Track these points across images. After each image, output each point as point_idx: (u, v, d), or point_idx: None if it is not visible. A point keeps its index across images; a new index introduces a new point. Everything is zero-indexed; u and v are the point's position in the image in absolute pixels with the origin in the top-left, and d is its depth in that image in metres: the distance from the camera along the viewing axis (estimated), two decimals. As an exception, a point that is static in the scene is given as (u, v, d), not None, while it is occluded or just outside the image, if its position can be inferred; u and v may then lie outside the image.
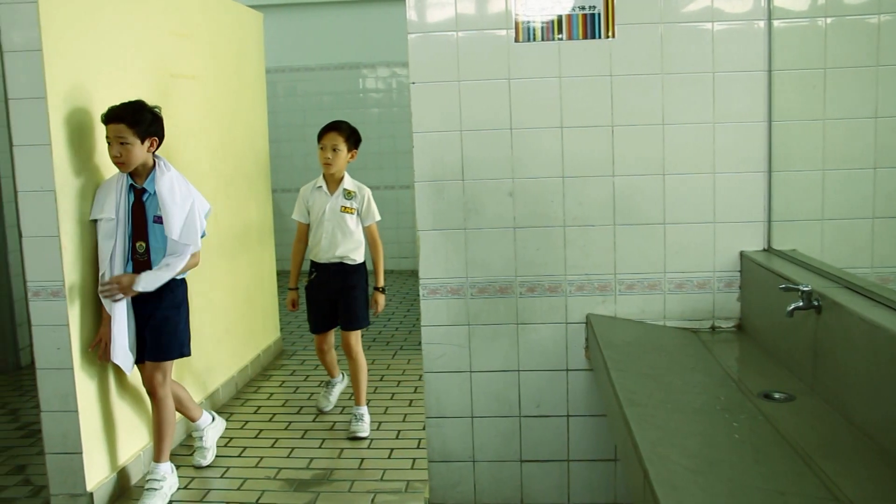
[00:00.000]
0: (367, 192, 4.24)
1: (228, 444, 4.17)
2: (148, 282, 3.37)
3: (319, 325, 4.42)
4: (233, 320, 4.93)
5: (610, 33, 2.99)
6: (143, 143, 3.32)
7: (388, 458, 3.94)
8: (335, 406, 4.66)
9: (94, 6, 3.53)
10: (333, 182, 4.23)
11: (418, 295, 3.25)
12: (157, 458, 3.57)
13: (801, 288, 2.32)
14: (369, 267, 4.33)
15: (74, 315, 3.34)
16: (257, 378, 5.29)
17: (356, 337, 4.33)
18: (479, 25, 3.03)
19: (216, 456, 4.00)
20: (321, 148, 4.16)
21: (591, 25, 3.00)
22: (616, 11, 2.98)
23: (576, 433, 3.22)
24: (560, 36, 3.01)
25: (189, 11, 4.49)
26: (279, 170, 8.16)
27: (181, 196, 3.41)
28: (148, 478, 3.54)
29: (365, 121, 9.05)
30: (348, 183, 4.24)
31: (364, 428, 4.24)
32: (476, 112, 3.06)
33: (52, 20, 3.21)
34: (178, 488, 3.65)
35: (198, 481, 3.75)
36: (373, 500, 3.50)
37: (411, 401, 4.73)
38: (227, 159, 4.94)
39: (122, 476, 3.64)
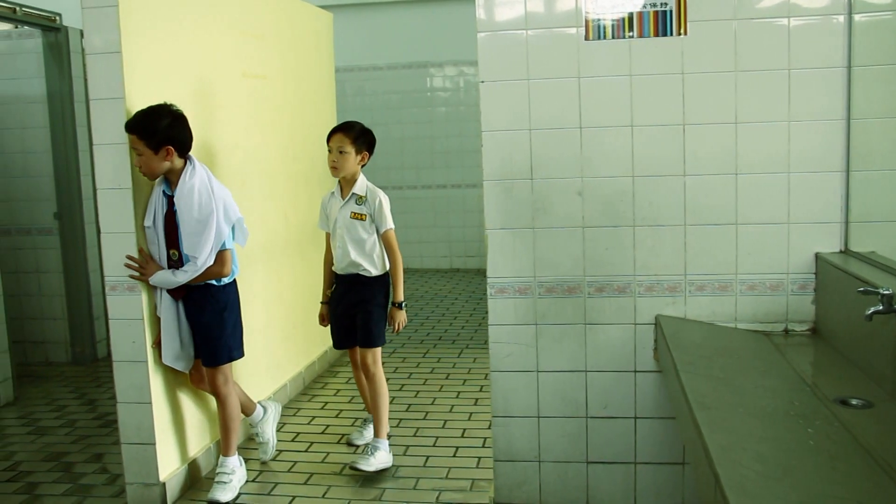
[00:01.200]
0: (380, 195, 3.87)
1: (295, 439, 4.24)
2: (160, 279, 3.36)
3: (339, 340, 4.06)
4: (301, 315, 4.99)
5: (682, 30, 2.95)
6: (156, 153, 3.25)
7: (454, 456, 3.94)
8: (404, 404, 4.68)
9: (170, 8, 3.62)
10: (347, 187, 3.89)
11: (484, 293, 3.25)
12: (224, 451, 3.64)
13: (881, 291, 2.25)
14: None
15: (149, 310, 3.43)
16: (324, 374, 5.36)
17: (373, 356, 3.90)
18: (548, 23, 3.01)
19: (283, 451, 4.07)
20: (328, 150, 3.84)
21: (662, 22, 2.96)
22: (688, 8, 2.93)
23: (643, 435, 3.18)
24: (631, 33, 2.98)
25: (261, 12, 4.56)
26: (347, 168, 8.24)
27: (201, 208, 3.33)
28: (217, 470, 3.62)
29: (432, 119, 9.11)
30: (359, 187, 3.88)
31: (370, 463, 3.74)
32: (545, 111, 3.04)
33: (131, 23, 3.30)
34: (247, 481, 3.72)
35: (266, 475, 3.81)
36: (437, 498, 3.51)
37: (477, 399, 4.73)
38: (297, 159, 5.01)
39: (192, 467, 3.72)
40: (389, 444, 3.88)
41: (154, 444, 3.45)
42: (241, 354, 3.67)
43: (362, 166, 3.87)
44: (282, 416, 4.48)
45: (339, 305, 3.97)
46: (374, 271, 3.87)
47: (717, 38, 2.92)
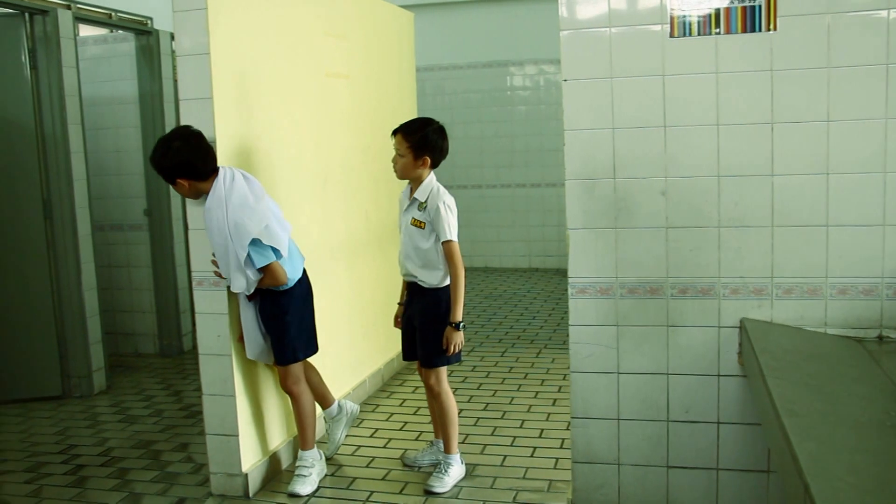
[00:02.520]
0: (442, 202, 3.50)
1: (374, 435, 4.28)
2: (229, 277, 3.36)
3: (404, 350, 3.83)
4: (381, 312, 5.04)
5: (771, 26, 2.86)
6: (174, 185, 3.31)
7: (531, 456, 3.93)
8: (482, 403, 4.68)
9: (256, 10, 3.69)
10: (415, 187, 3.60)
11: (563, 293, 3.22)
12: (302, 445, 3.71)
13: (983, 297, 2.15)
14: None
15: (234, 305, 3.51)
16: (403, 371, 5.40)
17: (435, 376, 3.64)
18: (632, 21, 2.97)
19: (362, 446, 4.12)
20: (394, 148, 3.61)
21: (750, 18, 2.89)
22: (778, 3, 2.84)
23: (726, 441, 3.11)
24: (717, 30, 2.91)
25: (343, 12, 4.62)
26: (426, 167, 8.29)
27: (215, 235, 3.28)
28: (297, 464, 3.69)
29: (512, 118, 9.08)
30: (422, 191, 3.55)
31: (444, 483, 3.59)
32: (629, 109, 3.00)
33: (219, 25, 3.38)
34: (326, 475, 3.77)
35: (344, 469, 3.86)
36: (514, 498, 3.50)
37: (555, 400, 4.70)
38: (377, 157, 5.06)
39: (273, 460, 3.80)
40: (461, 457, 3.75)
41: (237, 435, 3.53)
42: (311, 352, 3.69)
43: (432, 167, 3.58)
44: (361, 411, 4.54)
45: (405, 312, 3.80)
46: (433, 282, 3.59)
47: (808, 33, 2.83)
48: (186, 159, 3.23)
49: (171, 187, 3.38)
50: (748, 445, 3.08)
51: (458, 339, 3.53)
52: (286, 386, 3.66)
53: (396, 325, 3.89)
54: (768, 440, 2.56)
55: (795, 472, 1.74)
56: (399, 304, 3.88)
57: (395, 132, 3.58)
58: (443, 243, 3.52)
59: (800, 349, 2.79)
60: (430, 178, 3.57)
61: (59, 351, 5.10)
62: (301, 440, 3.71)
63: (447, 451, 3.69)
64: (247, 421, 3.61)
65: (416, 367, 3.87)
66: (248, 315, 3.50)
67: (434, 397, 3.70)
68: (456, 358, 3.61)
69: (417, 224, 3.56)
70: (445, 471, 3.63)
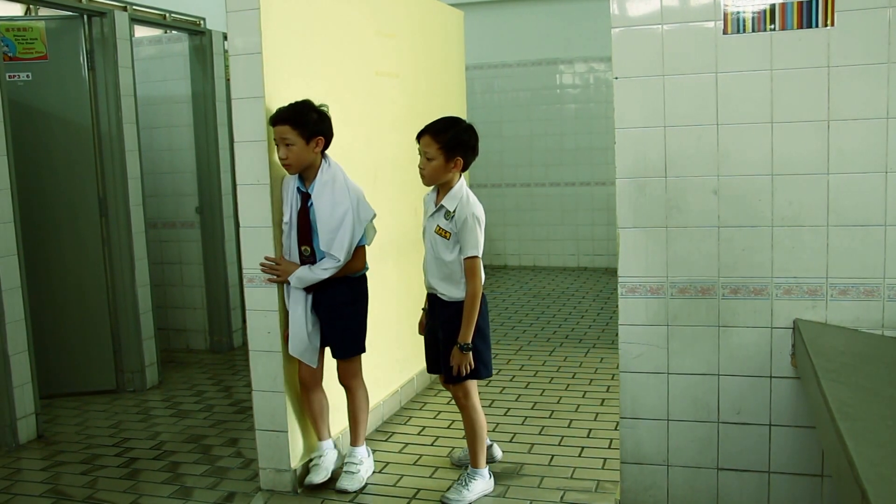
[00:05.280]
0: (470, 213, 3.29)
1: (421, 433, 4.29)
2: (300, 278, 3.41)
3: (429, 362, 3.66)
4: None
5: (829, 21, 2.80)
6: (308, 143, 3.33)
7: (579, 456, 3.90)
8: (529, 402, 4.66)
9: (307, 9, 3.73)
10: (443, 192, 3.40)
11: (611, 293, 3.19)
12: (353, 441, 3.72)
13: None
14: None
15: (284, 302, 3.54)
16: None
17: (463, 390, 3.45)
18: (685, 17, 2.93)
19: (409, 444, 4.13)
20: (419, 153, 3.40)
21: (807, 13, 2.83)
22: (836, -3, 2.79)
23: (778, 444, 3.05)
24: (772, 26, 2.86)
25: (394, 11, 4.64)
26: (476, 166, 8.28)
27: (336, 205, 3.37)
28: (346, 460, 3.70)
29: (561, 117, 9.05)
30: (451, 198, 3.34)
31: (461, 496, 3.41)
32: (681, 107, 2.96)
33: (271, 25, 3.42)
34: (374, 472, 3.79)
35: (392, 466, 3.88)
36: (562, 498, 3.48)
37: (603, 400, 4.67)
38: (426, 155, 5.07)
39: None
40: (490, 471, 3.58)
41: (286, 431, 3.57)
42: (364, 349, 3.69)
43: (462, 171, 3.39)
44: (408, 410, 4.56)
45: (427, 322, 3.62)
46: (454, 295, 3.39)
47: (868, 27, 2.76)
48: (327, 126, 3.42)
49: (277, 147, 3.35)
50: (801, 448, 3.02)
51: (465, 362, 3.34)
52: (346, 379, 3.66)
53: (420, 331, 3.72)
54: (823, 444, 2.51)
55: (852, 477, 1.70)
56: (423, 309, 3.69)
57: (420, 134, 3.36)
58: (469, 258, 3.32)
59: (855, 351, 2.73)
60: (460, 185, 3.38)
61: (114, 346, 5.20)
62: (352, 435, 3.72)
63: (473, 464, 3.52)
64: (296, 417, 3.65)
65: (440, 378, 3.70)
66: (300, 308, 3.47)
67: (461, 410, 3.54)
68: (487, 372, 3.46)
69: (442, 234, 3.36)
70: (466, 484, 3.47)
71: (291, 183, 3.46)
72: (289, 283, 3.45)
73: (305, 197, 3.43)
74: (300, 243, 3.46)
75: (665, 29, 2.94)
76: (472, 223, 3.30)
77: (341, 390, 3.76)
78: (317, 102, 3.45)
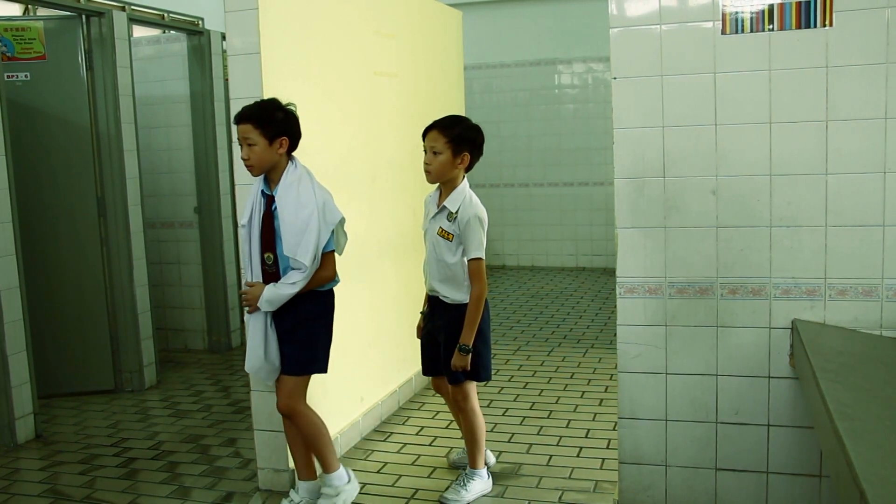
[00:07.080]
0: (473, 214, 3.26)
1: (420, 433, 4.29)
2: (269, 301, 3.10)
3: (425, 365, 3.62)
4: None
5: (827, 21, 2.81)
6: (271, 143, 3.06)
7: (577, 456, 3.90)
8: (528, 402, 4.66)
9: (306, 9, 3.72)
10: (445, 193, 3.37)
11: (610, 293, 3.19)
12: (325, 468, 3.35)
13: None
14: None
15: (283, 301, 3.53)
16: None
17: (462, 393, 3.43)
18: (683, 18, 2.93)
19: (407, 444, 4.13)
20: (424, 150, 3.36)
21: (805, 14, 2.83)
22: (834, -2, 2.79)
23: (777, 444, 3.06)
24: (771, 26, 2.86)
25: (392, 11, 4.64)
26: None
27: (300, 207, 3.08)
28: (322, 490, 3.37)
29: (560, 117, 9.05)
30: (454, 199, 3.31)
31: (460, 496, 3.40)
32: (679, 107, 2.96)
33: (269, 25, 3.42)
34: (372, 473, 3.78)
35: (390, 466, 3.88)
36: (560, 498, 3.48)
37: (601, 400, 4.67)
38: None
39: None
40: (488, 472, 3.58)
41: (284, 431, 3.56)
42: (324, 370, 3.32)
43: (466, 171, 3.38)
44: (406, 410, 4.56)
45: (425, 325, 3.57)
46: (456, 297, 3.36)
47: (866, 28, 2.77)
48: (293, 126, 3.14)
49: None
50: (800, 449, 3.03)
51: (464, 365, 3.31)
52: (290, 403, 3.23)
53: (418, 335, 3.66)
54: (821, 444, 2.51)
55: (850, 477, 1.70)
56: (421, 312, 3.64)
57: (427, 129, 3.33)
58: (473, 260, 3.28)
59: (854, 351, 2.73)
60: (464, 185, 3.35)
61: (112, 346, 5.20)
62: (322, 462, 3.36)
63: (472, 465, 3.52)
64: (294, 417, 3.64)
65: (432, 384, 3.71)
66: (259, 322, 3.17)
67: (461, 413, 3.51)
68: (486, 375, 3.45)
69: (445, 235, 3.32)
70: (465, 484, 3.46)
71: (256, 185, 3.22)
72: (259, 309, 3.15)
73: (270, 200, 3.16)
74: (263, 250, 3.17)
75: (663, 29, 2.95)
76: (476, 225, 3.27)
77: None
78: (315, 103, 3.43)
